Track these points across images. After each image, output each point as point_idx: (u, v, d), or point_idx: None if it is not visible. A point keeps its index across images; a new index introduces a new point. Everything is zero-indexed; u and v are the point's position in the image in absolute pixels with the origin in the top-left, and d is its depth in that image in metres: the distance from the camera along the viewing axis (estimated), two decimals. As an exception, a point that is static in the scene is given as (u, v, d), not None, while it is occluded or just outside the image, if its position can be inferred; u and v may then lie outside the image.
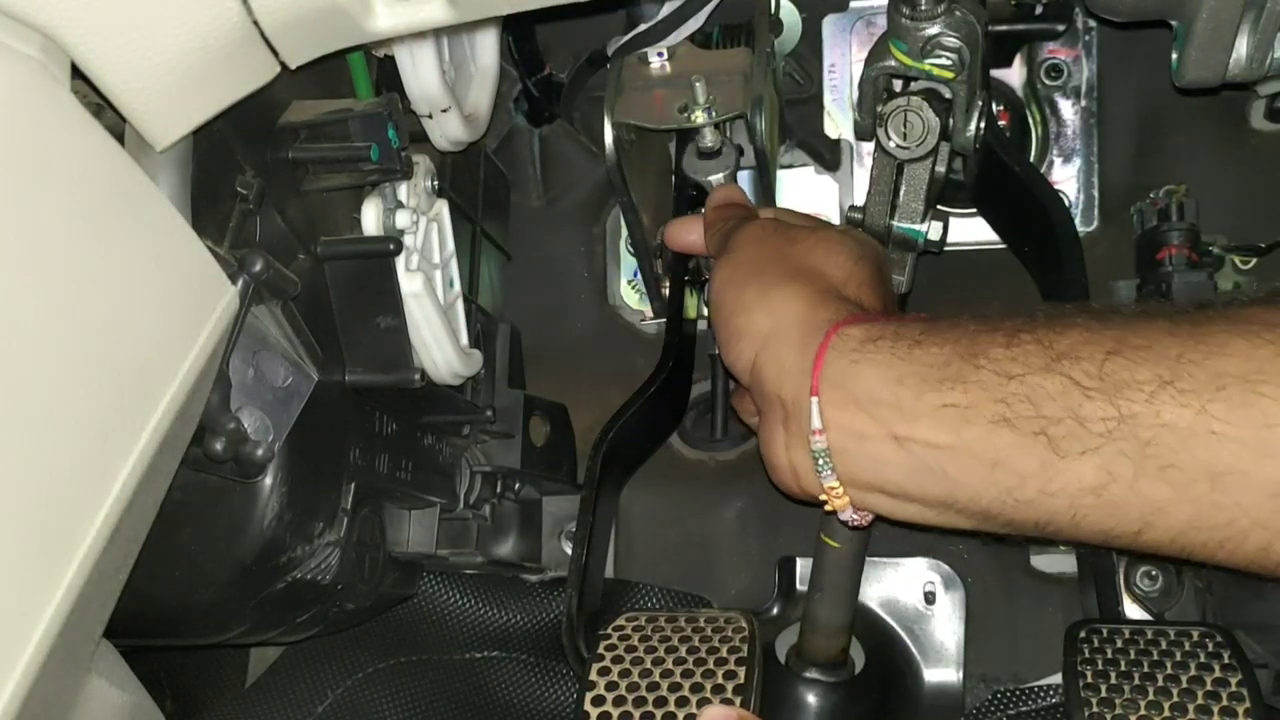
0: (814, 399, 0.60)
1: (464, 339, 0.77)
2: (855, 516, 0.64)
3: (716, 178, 0.81)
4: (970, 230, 0.89)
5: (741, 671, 0.65)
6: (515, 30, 0.92)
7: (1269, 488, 0.49)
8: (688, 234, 0.80)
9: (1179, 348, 0.52)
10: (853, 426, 0.59)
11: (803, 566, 0.85)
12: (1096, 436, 0.52)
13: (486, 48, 0.78)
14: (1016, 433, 0.54)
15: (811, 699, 0.77)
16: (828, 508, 0.63)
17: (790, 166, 0.91)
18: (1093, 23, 0.88)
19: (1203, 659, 0.65)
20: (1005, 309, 0.60)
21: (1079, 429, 0.53)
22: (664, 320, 0.89)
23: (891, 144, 0.74)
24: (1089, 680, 0.65)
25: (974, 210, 0.88)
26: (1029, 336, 0.56)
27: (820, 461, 0.61)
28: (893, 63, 0.73)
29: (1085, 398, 0.53)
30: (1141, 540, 0.54)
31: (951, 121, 0.76)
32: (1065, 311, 0.57)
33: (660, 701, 0.63)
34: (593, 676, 0.65)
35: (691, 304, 0.87)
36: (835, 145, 0.91)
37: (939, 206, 0.81)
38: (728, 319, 0.67)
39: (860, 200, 0.80)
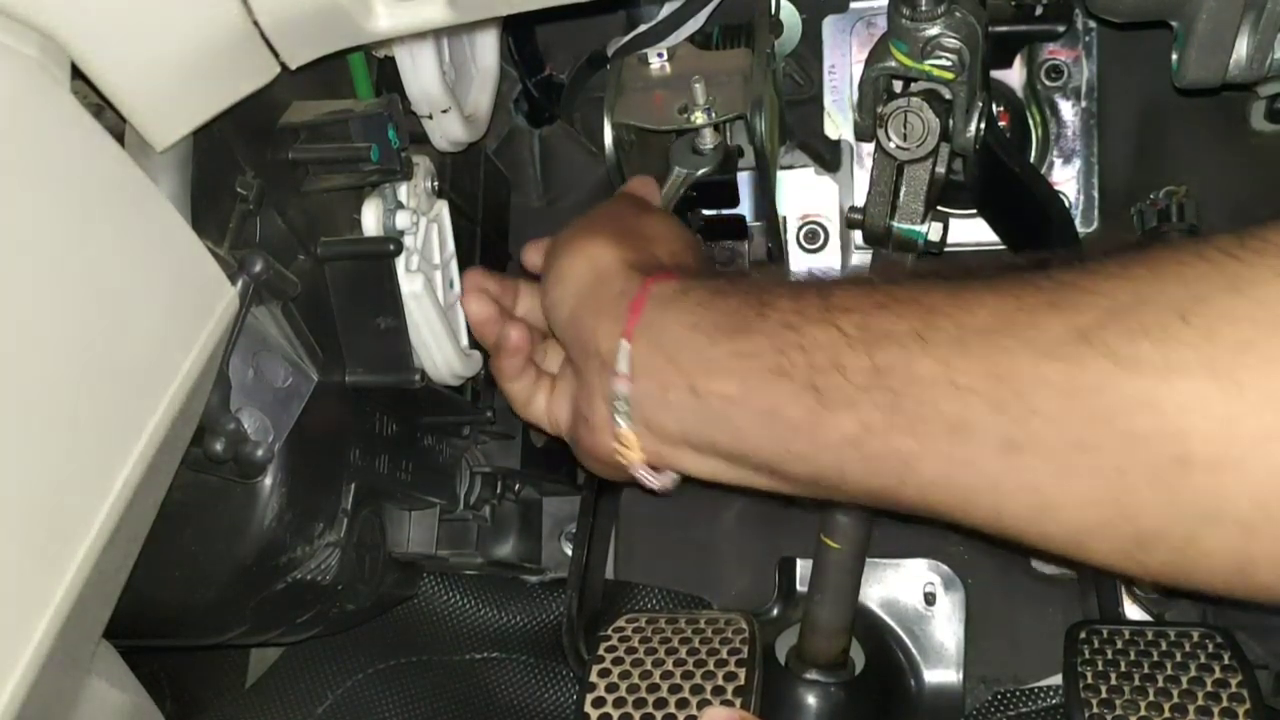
0: (624, 343, 0.60)
1: (464, 340, 0.77)
2: (648, 474, 0.63)
3: (681, 171, 0.80)
4: (970, 231, 0.89)
5: (742, 673, 0.65)
6: (515, 31, 0.92)
7: (997, 442, 0.48)
8: (534, 255, 0.78)
9: (934, 300, 0.52)
10: (660, 375, 0.59)
11: (803, 567, 0.85)
12: (856, 388, 0.52)
13: (487, 48, 0.78)
14: (792, 384, 0.54)
15: (812, 700, 0.77)
16: (620, 459, 0.62)
17: (790, 167, 0.91)
18: (1093, 24, 0.88)
19: (1203, 660, 0.65)
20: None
21: (842, 380, 0.53)
22: (664, 321, 0.89)
23: (891, 145, 0.74)
24: (1089, 681, 0.65)
25: (974, 211, 0.88)
26: (811, 290, 0.57)
27: (618, 405, 0.60)
28: (893, 64, 0.73)
29: (848, 348, 0.53)
30: (900, 498, 0.53)
31: (951, 122, 0.75)
32: (852, 272, 0.58)
33: (661, 703, 0.63)
34: (593, 678, 0.65)
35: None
36: (835, 146, 0.91)
37: (939, 207, 0.81)
38: (552, 262, 0.67)
39: (860, 201, 0.80)
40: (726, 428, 0.58)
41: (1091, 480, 0.47)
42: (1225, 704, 0.62)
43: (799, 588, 0.85)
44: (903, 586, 0.85)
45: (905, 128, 0.74)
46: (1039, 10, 0.85)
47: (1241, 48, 0.70)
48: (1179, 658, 0.66)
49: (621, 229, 0.68)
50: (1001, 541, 0.53)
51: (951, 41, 0.71)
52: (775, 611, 0.86)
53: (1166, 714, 0.62)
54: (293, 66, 0.54)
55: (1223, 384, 0.44)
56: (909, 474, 0.52)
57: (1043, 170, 0.90)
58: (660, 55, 0.82)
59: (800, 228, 0.92)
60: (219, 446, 0.54)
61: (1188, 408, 0.44)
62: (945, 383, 0.50)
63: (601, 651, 0.67)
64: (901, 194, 0.77)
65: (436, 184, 0.73)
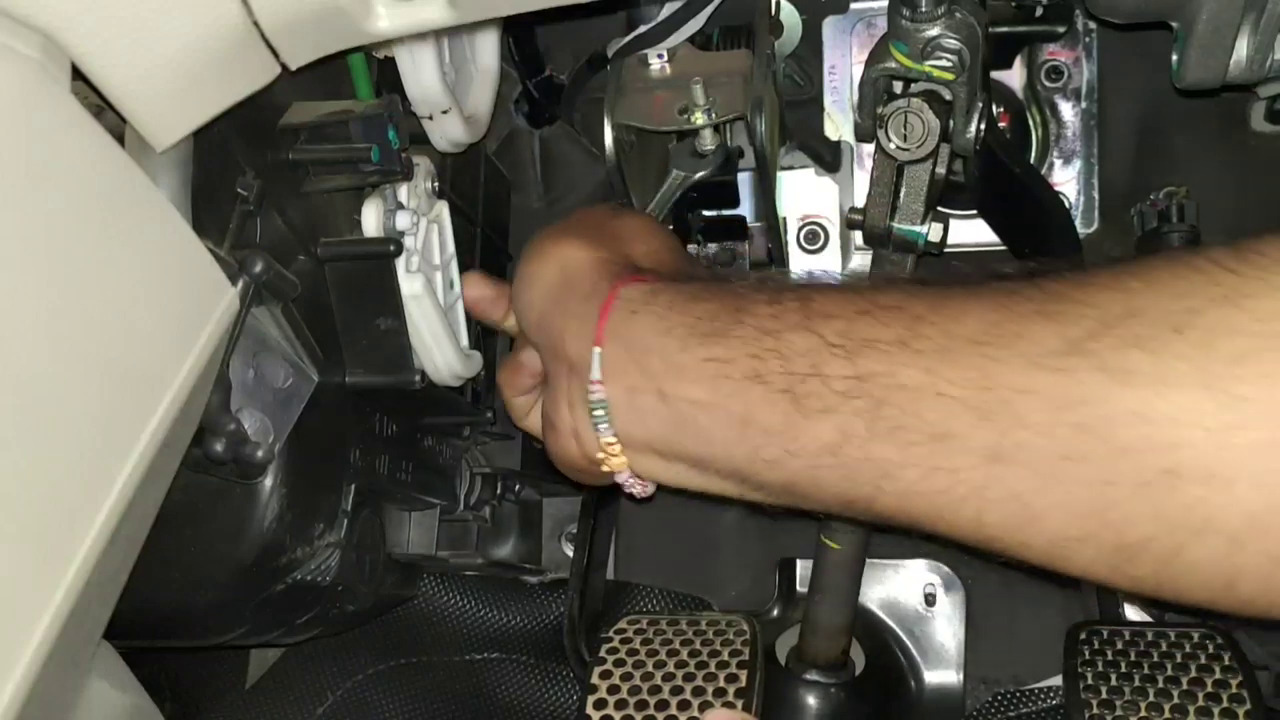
0: (596, 349, 0.59)
1: (464, 340, 0.77)
2: (632, 481, 0.63)
3: (675, 173, 0.80)
4: (970, 232, 0.89)
5: (743, 674, 0.65)
6: (516, 32, 0.92)
7: (982, 451, 0.48)
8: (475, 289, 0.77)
9: (921, 309, 0.51)
10: (626, 379, 0.58)
11: (803, 568, 0.85)
12: (836, 395, 0.52)
13: (487, 49, 0.78)
14: (766, 389, 0.54)
15: (812, 701, 0.77)
16: (605, 468, 0.62)
17: (790, 168, 0.91)
18: (1093, 24, 0.89)
19: (1203, 661, 0.65)
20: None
21: (821, 387, 0.52)
22: (664, 322, 0.89)
23: (892, 145, 0.74)
24: (1089, 682, 0.65)
25: (974, 212, 0.88)
26: (791, 295, 0.56)
27: (598, 414, 0.59)
28: (893, 64, 0.73)
29: (831, 355, 0.52)
30: (875, 507, 0.53)
31: (952, 123, 0.75)
32: (829, 277, 0.57)
33: (662, 705, 0.63)
34: (595, 679, 0.65)
35: (692, 305, 0.87)
36: (835, 147, 0.91)
37: (939, 208, 0.81)
38: (521, 267, 0.67)
39: (860, 202, 0.80)
40: (695, 433, 0.57)
41: (1077, 491, 0.47)
42: (1225, 705, 0.62)
43: (799, 588, 0.85)
44: (903, 587, 0.85)
45: (905, 128, 0.74)
46: (1039, 11, 0.85)
47: (1241, 48, 0.70)
48: (1179, 659, 0.65)
49: (592, 229, 0.67)
50: (978, 551, 0.52)
51: (952, 42, 0.71)
52: (775, 612, 0.86)
53: (1167, 715, 0.62)
54: (293, 67, 0.54)
55: (1216, 396, 0.43)
56: (888, 482, 0.51)
57: (1043, 171, 0.90)
58: (660, 56, 0.82)
59: (800, 228, 0.92)
60: (219, 447, 0.54)
61: (1179, 420, 0.44)
62: (930, 392, 0.49)
63: (603, 653, 0.67)
64: (902, 195, 0.77)
65: (437, 185, 0.73)
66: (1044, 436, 0.47)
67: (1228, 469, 0.44)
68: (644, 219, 0.72)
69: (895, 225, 0.78)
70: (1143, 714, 0.62)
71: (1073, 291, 0.49)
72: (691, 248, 0.85)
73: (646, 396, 0.58)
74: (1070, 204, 0.89)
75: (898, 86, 0.76)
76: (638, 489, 0.63)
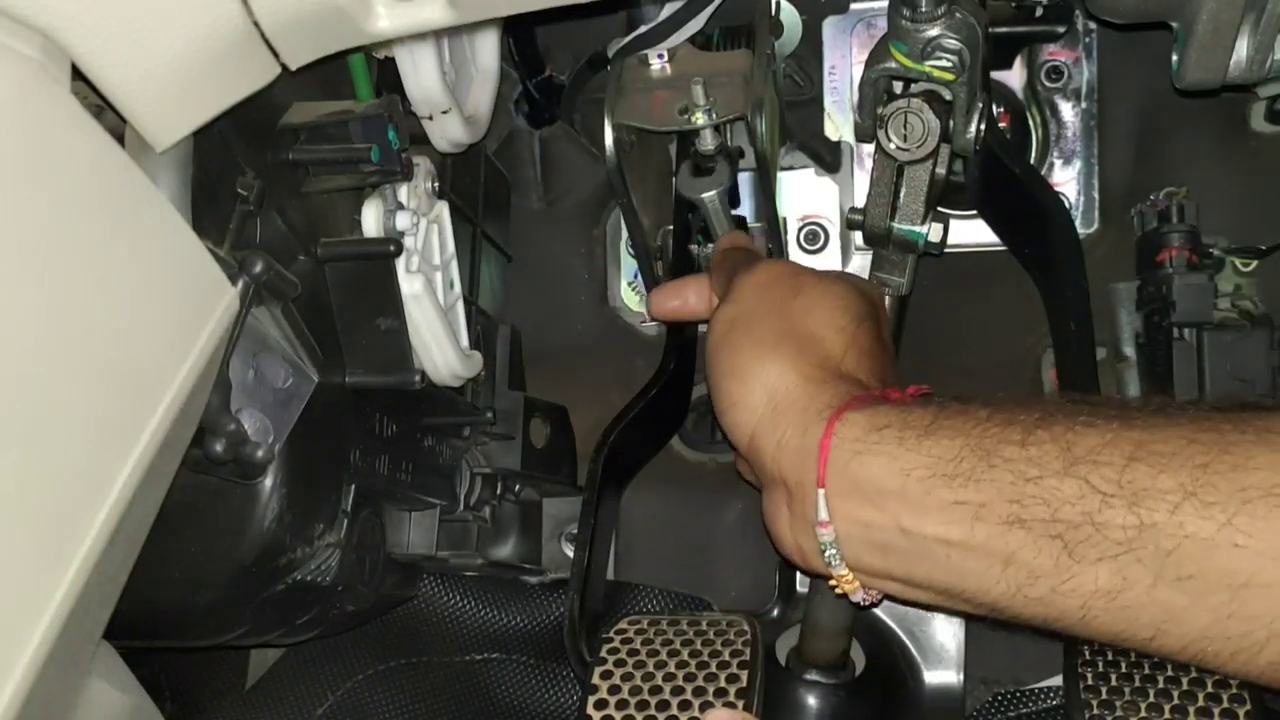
0: (820, 491, 0.60)
1: (464, 340, 0.77)
2: (865, 597, 0.64)
3: (710, 195, 0.81)
4: (970, 232, 0.89)
5: (744, 675, 0.64)
6: (516, 32, 0.92)
7: None
8: (667, 300, 0.79)
9: (1204, 457, 0.52)
10: (859, 516, 0.59)
11: (803, 568, 0.85)
12: (1115, 544, 0.52)
13: (487, 49, 0.78)
14: (1030, 534, 0.54)
15: (812, 701, 0.77)
16: (837, 591, 0.63)
17: (791, 168, 0.91)
18: (1093, 25, 0.88)
19: (1204, 661, 0.65)
20: (1017, 398, 0.59)
21: (1096, 535, 0.53)
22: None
23: (892, 146, 0.74)
24: (1089, 682, 0.65)
25: (974, 212, 0.88)
26: (1045, 434, 0.56)
27: (828, 553, 0.61)
28: (893, 64, 0.74)
29: (1104, 504, 0.52)
30: (1153, 645, 0.54)
31: (952, 123, 0.76)
32: (1083, 409, 0.57)
33: (663, 705, 0.63)
34: (595, 679, 0.65)
35: (692, 306, 0.87)
36: (836, 147, 0.91)
37: (939, 208, 0.81)
38: (721, 381, 0.66)
39: (861, 202, 0.80)
40: (944, 568, 0.58)
41: None
42: (1226, 705, 0.61)
43: (799, 588, 0.85)
44: (903, 587, 0.85)
45: (905, 129, 0.74)
46: (1039, 11, 0.85)
47: (1241, 49, 0.70)
48: (1181, 659, 0.65)
49: (786, 331, 0.65)
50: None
51: (952, 42, 0.71)
52: (776, 612, 0.86)
53: (1167, 715, 0.62)
54: (293, 67, 0.54)
55: None
56: (1172, 626, 0.52)
57: (1043, 171, 0.90)
58: (661, 56, 0.82)
59: (800, 229, 0.92)
60: (219, 447, 0.54)
61: None
62: (1225, 544, 0.50)
63: (604, 653, 0.67)
64: (902, 195, 0.77)
65: (437, 185, 0.73)
66: None
67: None
68: (827, 290, 0.69)
69: (895, 225, 0.78)
70: (1143, 714, 0.62)
71: None
72: (692, 248, 0.85)
73: (886, 533, 0.58)
74: (1070, 204, 0.89)
75: (898, 86, 0.76)
76: (869, 600, 0.65)
